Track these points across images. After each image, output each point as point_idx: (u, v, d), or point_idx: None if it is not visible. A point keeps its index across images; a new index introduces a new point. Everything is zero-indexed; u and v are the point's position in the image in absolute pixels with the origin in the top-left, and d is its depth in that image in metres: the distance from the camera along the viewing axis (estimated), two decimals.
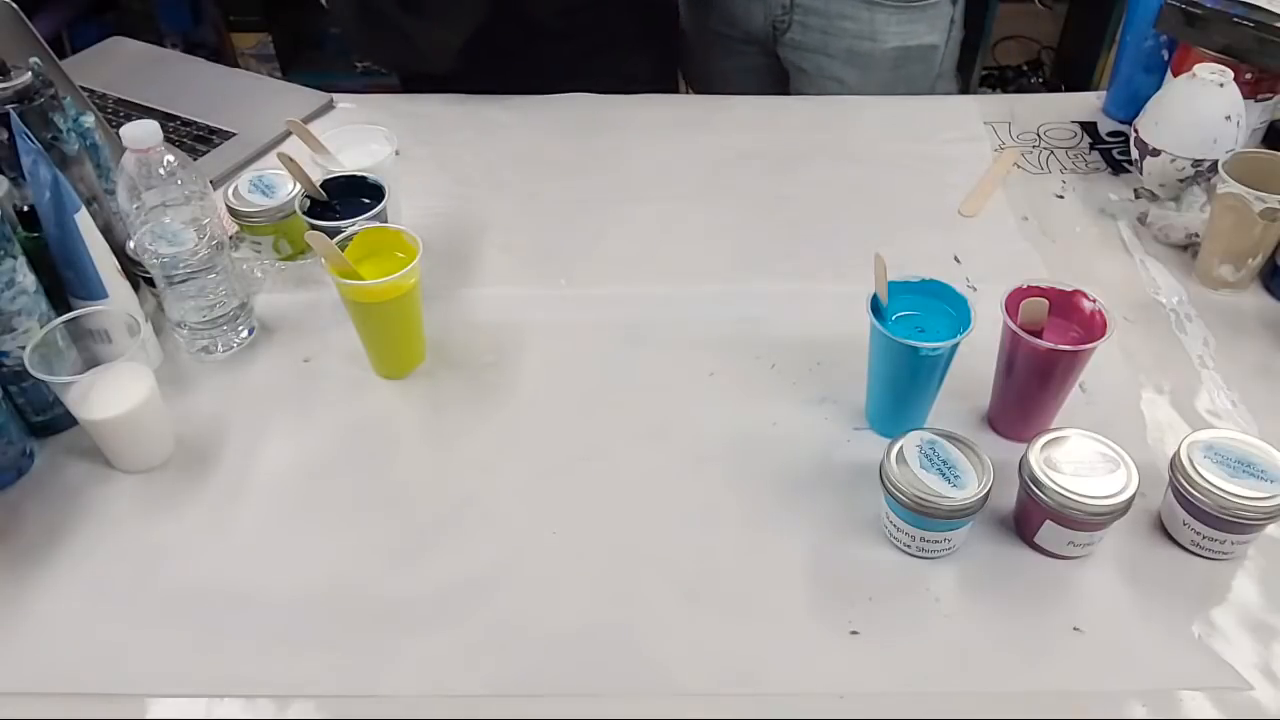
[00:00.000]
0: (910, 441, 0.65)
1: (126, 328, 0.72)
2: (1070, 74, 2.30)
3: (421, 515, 0.70)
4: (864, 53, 1.20)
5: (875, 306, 0.69)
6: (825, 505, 0.70)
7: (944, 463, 0.64)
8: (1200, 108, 0.92)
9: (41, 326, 0.70)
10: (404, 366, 0.81)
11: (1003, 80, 2.38)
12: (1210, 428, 0.70)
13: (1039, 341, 0.67)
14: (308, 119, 1.11)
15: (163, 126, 0.72)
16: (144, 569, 0.67)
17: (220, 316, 0.80)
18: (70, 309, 0.73)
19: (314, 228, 0.76)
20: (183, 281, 0.77)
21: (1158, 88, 0.99)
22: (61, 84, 0.79)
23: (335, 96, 1.18)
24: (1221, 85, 0.90)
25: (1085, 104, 1.15)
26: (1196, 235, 0.91)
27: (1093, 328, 0.69)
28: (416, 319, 0.80)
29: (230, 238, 0.87)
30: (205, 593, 0.65)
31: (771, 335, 0.84)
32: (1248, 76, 0.95)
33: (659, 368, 0.81)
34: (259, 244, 0.91)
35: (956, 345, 0.67)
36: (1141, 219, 0.97)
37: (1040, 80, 2.37)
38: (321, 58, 2.43)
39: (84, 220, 0.72)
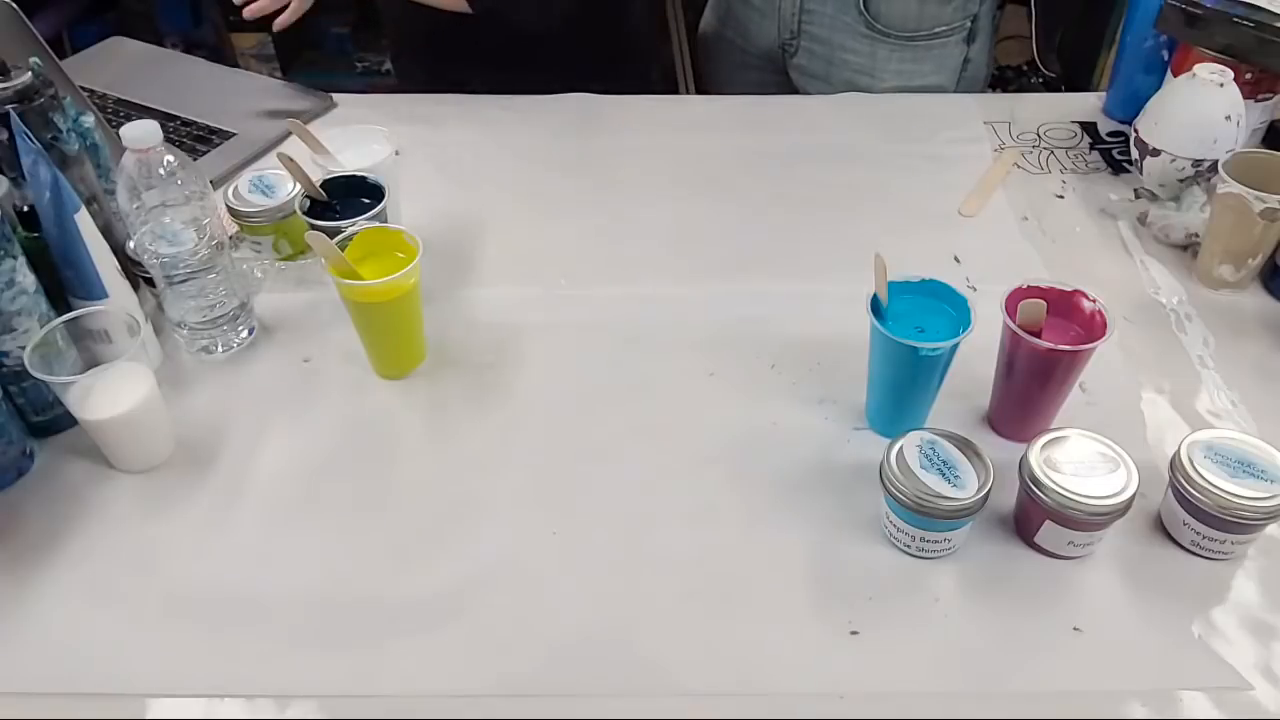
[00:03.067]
0: (910, 441, 0.65)
1: (126, 328, 0.72)
2: (1070, 74, 2.30)
3: (421, 515, 0.71)
4: (863, 88, 1.18)
5: (875, 306, 0.69)
6: (825, 505, 0.70)
7: (944, 463, 0.64)
8: (1200, 108, 0.92)
9: (41, 326, 0.70)
10: (404, 366, 0.81)
11: (1003, 80, 2.37)
12: (1210, 428, 0.70)
13: (1039, 342, 0.67)
14: (308, 119, 1.11)
15: (163, 126, 0.72)
16: (144, 569, 0.67)
17: (220, 316, 0.80)
18: (70, 309, 0.73)
19: (314, 228, 0.76)
20: (183, 281, 0.77)
21: (1158, 88, 0.99)
22: (61, 84, 0.79)
23: (335, 96, 1.18)
24: (1221, 85, 0.90)
25: (1085, 104, 1.15)
26: (1196, 235, 0.91)
27: (1093, 328, 0.69)
28: (416, 319, 0.80)
29: (230, 238, 0.87)
30: (205, 593, 0.65)
31: (771, 335, 0.84)
32: (1248, 76, 0.95)
33: (659, 368, 0.81)
34: (259, 244, 0.91)
35: (956, 345, 0.67)
36: (1141, 219, 0.97)
37: (1040, 80, 2.37)
38: (321, 58, 2.43)
39: (84, 220, 0.72)
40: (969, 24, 1.17)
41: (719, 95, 1.29)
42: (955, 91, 1.21)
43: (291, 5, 1.10)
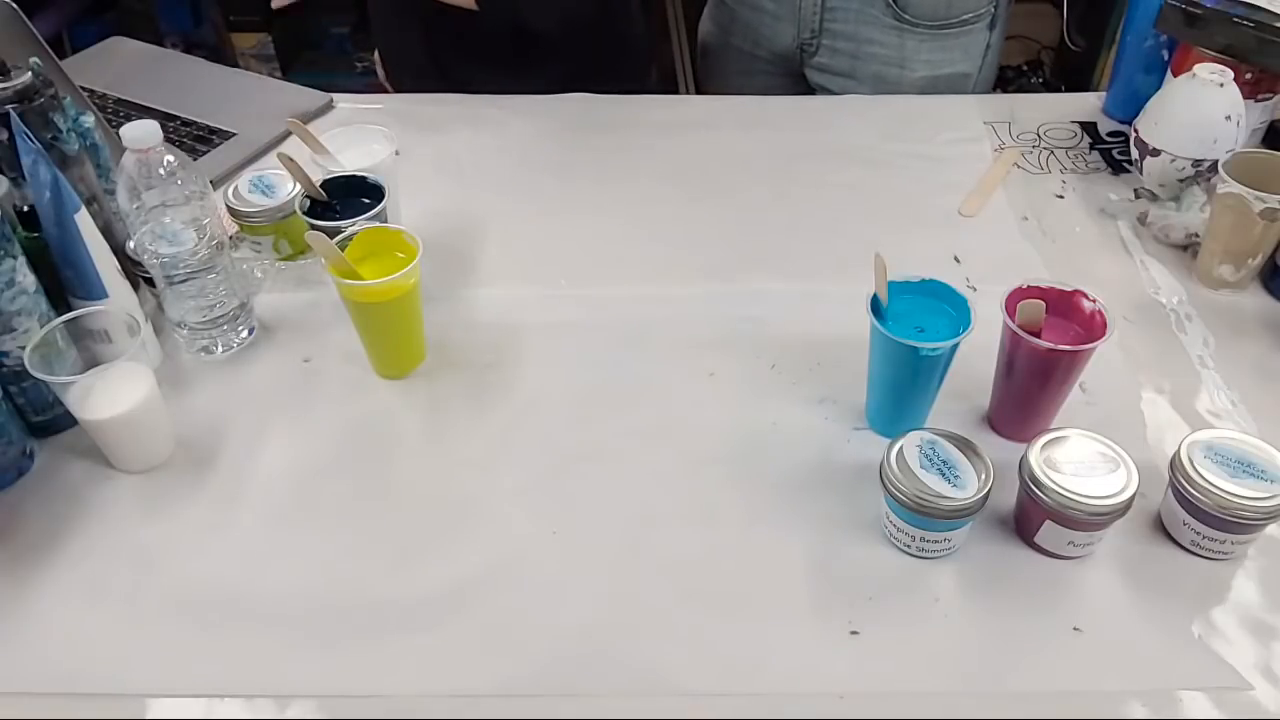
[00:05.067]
0: (910, 441, 0.65)
1: (126, 328, 0.72)
2: (1070, 74, 2.30)
3: (421, 515, 0.71)
4: (891, 80, 1.18)
5: (875, 306, 0.69)
6: (825, 505, 0.70)
7: (944, 463, 0.64)
8: (1200, 108, 0.92)
9: (41, 326, 0.70)
10: (404, 366, 0.81)
11: (1003, 80, 2.37)
12: (1210, 428, 0.70)
13: (1039, 342, 0.67)
14: (308, 119, 1.11)
15: (163, 126, 0.72)
16: (144, 569, 0.67)
17: (220, 316, 0.80)
18: (70, 309, 0.73)
19: (314, 228, 0.76)
20: (183, 281, 0.77)
21: (1158, 88, 0.99)
22: (61, 84, 0.79)
23: (335, 96, 1.18)
24: (1221, 85, 0.90)
25: (1085, 104, 1.15)
26: (1196, 235, 0.91)
27: (1093, 328, 0.69)
28: (416, 319, 0.80)
29: (230, 238, 0.87)
30: (205, 593, 0.65)
31: (771, 335, 0.84)
32: (1248, 76, 0.95)
33: (659, 368, 0.81)
34: (259, 244, 0.91)
35: (956, 345, 0.67)
36: (1141, 219, 0.97)
37: (1040, 80, 2.37)
38: (321, 58, 2.43)
39: (84, 220, 0.72)
40: (993, 9, 1.17)
41: (719, 95, 1.28)
42: (978, 77, 1.21)
43: None
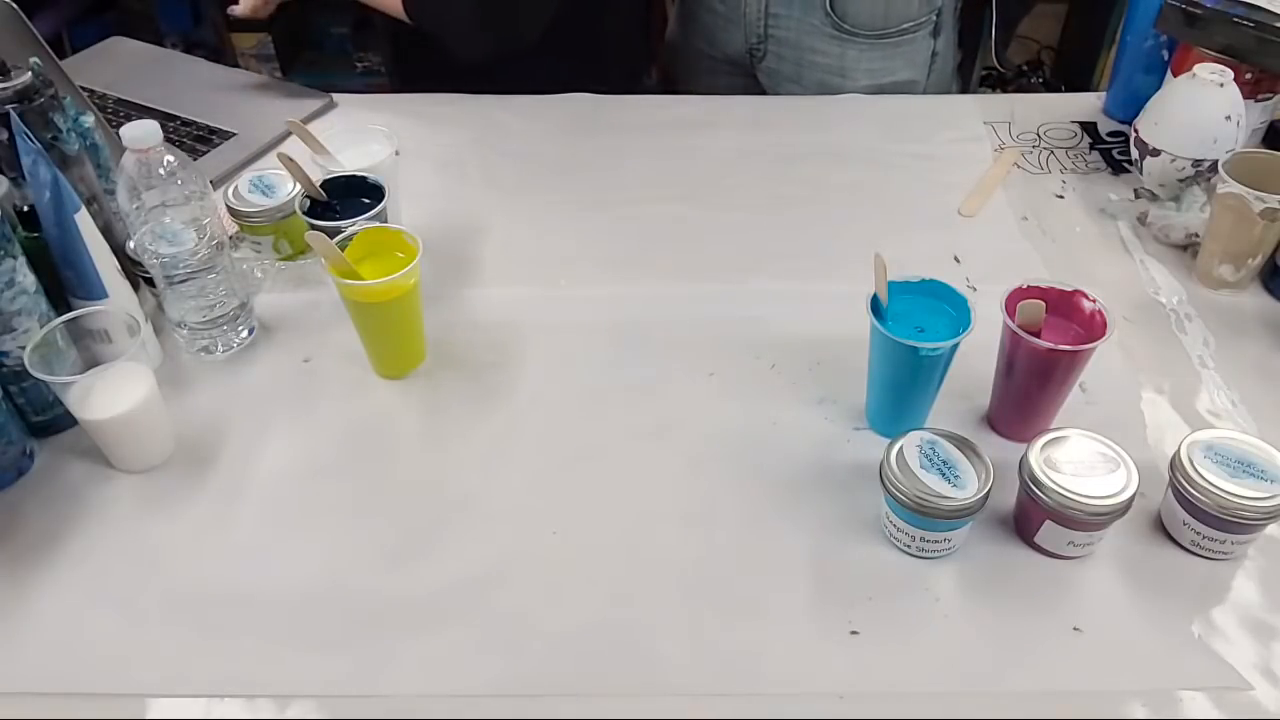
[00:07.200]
0: (910, 441, 0.65)
1: (126, 328, 0.72)
2: (1070, 74, 2.30)
3: (421, 515, 0.71)
4: (835, 88, 1.19)
5: (875, 306, 0.69)
6: (825, 505, 0.70)
7: (944, 463, 0.64)
8: (1200, 108, 0.92)
9: (41, 326, 0.70)
10: (404, 366, 0.81)
11: (1003, 80, 2.37)
12: (1210, 428, 0.70)
13: (1039, 342, 0.67)
14: (308, 119, 1.11)
15: (163, 126, 0.72)
16: (144, 569, 0.67)
17: (220, 316, 0.80)
18: (70, 309, 0.73)
19: (314, 228, 0.76)
20: (183, 281, 0.77)
21: (1158, 88, 0.99)
22: (61, 84, 0.79)
23: (335, 96, 1.18)
24: (1221, 85, 0.90)
25: (1085, 104, 1.16)
26: (1196, 235, 0.91)
27: (1093, 328, 0.69)
28: (416, 319, 0.80)
29: (230, 238, 0.87)
30: (205, 593, 0.65)
31: (771, 335, 0.84)
32: (1248, 76, 0.95)
33: (659, 368, 0.81)
34: (259, 244, 0.91)
35: (956, 345, 0.67)
36: (1141, 219, 0.97)
37: (1040, 80, 2.37)
38: (321, 58, 2.43)
39: (84, 220, 0.72)
40: (934, 18, 1.17)
41: (718, 95, 1.29)
42: (927, 84, 1.21)
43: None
